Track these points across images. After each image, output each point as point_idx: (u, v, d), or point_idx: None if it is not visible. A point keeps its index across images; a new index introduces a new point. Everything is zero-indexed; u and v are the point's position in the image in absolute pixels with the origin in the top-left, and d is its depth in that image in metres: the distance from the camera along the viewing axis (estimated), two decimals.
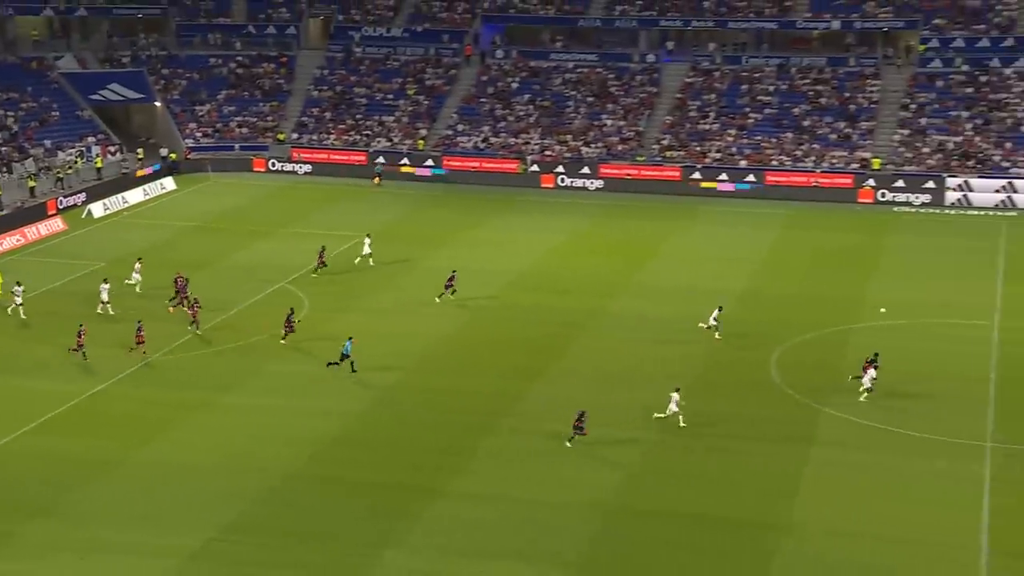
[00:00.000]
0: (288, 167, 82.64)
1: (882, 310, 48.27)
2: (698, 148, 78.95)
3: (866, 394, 41.95)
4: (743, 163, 77.16)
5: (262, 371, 45.49)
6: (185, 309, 49.86)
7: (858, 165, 75.55)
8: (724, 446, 38.89)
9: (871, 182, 73.86)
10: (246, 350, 47.48)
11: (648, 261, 60.95)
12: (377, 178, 78.78)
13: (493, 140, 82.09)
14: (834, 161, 76.26)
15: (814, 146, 77.56)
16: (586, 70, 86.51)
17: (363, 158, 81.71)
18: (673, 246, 64.30)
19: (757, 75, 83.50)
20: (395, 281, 56.84)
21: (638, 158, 79.19)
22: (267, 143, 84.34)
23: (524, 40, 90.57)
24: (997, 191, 71.31)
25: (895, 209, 71.95)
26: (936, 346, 47.44)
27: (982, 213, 70.31)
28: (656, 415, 40.33)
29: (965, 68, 79.33)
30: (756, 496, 35.32)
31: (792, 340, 48.36)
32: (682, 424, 39.81)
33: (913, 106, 78.60)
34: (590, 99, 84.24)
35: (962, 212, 70.96)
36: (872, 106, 79.55)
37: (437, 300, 52.54)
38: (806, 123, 79.28)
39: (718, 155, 78.25)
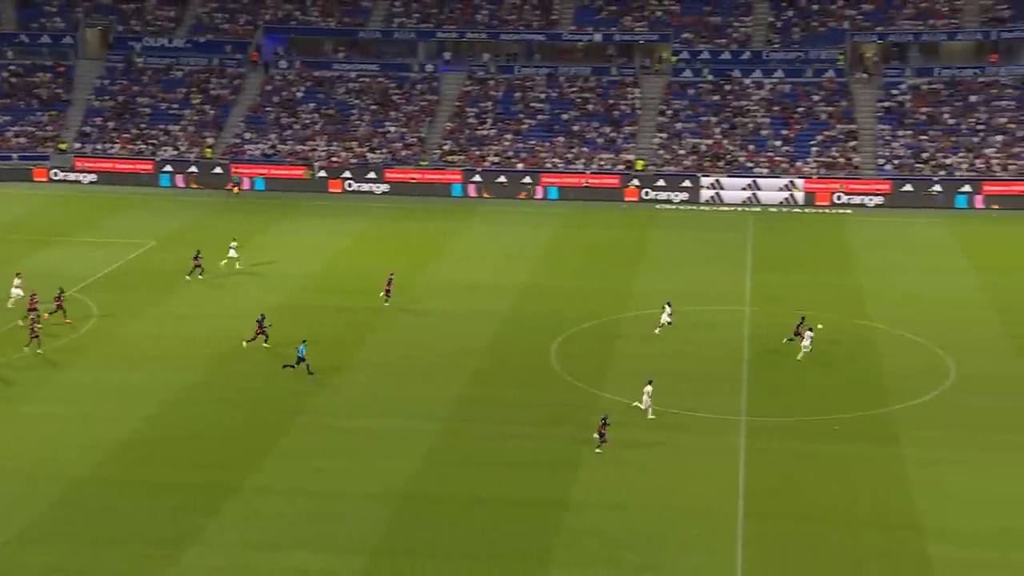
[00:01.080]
0: (72, 176, 78.82)
1: (820, 326, 46.93)
2: (477, 152, 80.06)
3: (803, 353, 44.65)
4: (520, 166, 78.71)
5: (53, 380, 43.42)
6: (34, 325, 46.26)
7: (623, 166, 78.32)
8: (509, 431, 39.68)
9: (636, 182, 76.69)
10: (38, 359, 45.15)
11: (433, 260, 61.37)
12: (236, 187, 76.34)
13: (281, 147, 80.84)
14: (602, 163, 78.80)
15: (583, 149, 79.90)
16: (368, 79, 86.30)
17: (150, 167, 78.89)
18: (456, 246, 64.97)
19: (529, 84, 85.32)
20: (186, 287, 55.19)
21: (421, 163, 79.62)
22: (48, 153, 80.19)
23: (307, 51, 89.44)
24: (744, 189, 75.33)
25: (657, 206, 74.91)
26: (696, 332, 49.68)
27: (732, 209, 74.11)
28: (634, 404, 40.48)
29: (711, 78, 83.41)
30: (539, 476, 36.24)
31: (570, 330, 49.72)
32: (651, 416, 39.85)
33: (669, 112, 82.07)
34: (373, 107, 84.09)
35: (715, 208, 74.58)
36: (633, 112, 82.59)
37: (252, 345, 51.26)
38: (575, 128, 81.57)
39: (496, 159, 79.58)
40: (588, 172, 77.86)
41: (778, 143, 78.15)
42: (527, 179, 77.60)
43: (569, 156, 79.45)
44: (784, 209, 73.54)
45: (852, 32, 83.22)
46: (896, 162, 75.51)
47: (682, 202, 75.45)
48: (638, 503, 34.44)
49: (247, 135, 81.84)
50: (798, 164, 76.38)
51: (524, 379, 44.35)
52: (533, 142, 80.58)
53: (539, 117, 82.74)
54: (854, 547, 31.81)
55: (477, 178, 77.84)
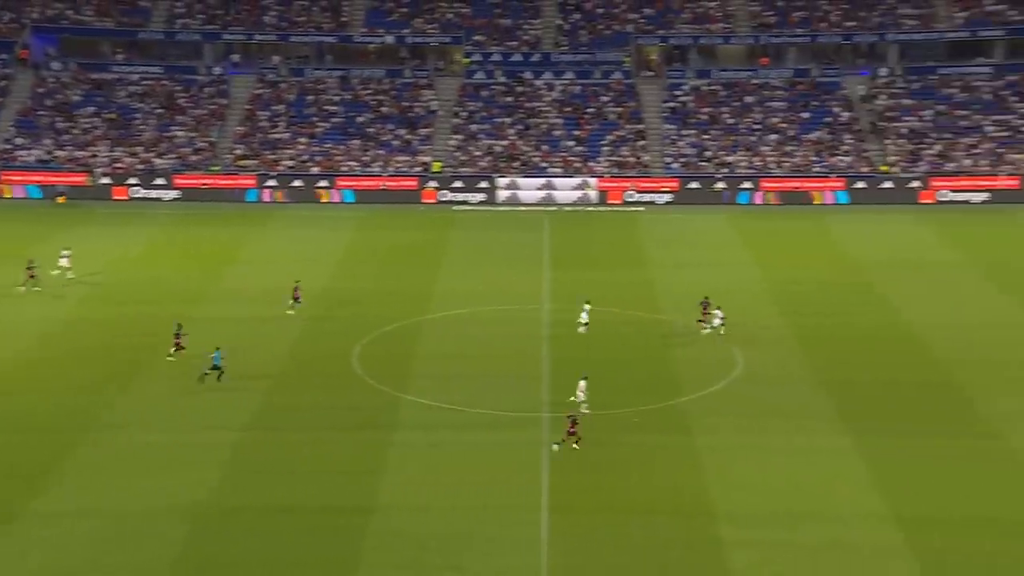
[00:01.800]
0: None
1: (718, 311, 48.46)
2: (271, 156, 78.31)
3: (721, 330, 47.28)
4: (315, 169, 77.48)
5: None
6: None
7: (420, 168, 78.28)
8: (312, 438, 38.93)
9: (433, 184, 76.78)
10: None
11: (228, 266, 59.64)
12: (62, 197, 71.74)
13: (59, 153, 76.73)
14: (399, 165, 78.50)
15: (380, 152, 79.40)
16: (152, 82, 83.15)
17: None
18: (252, 251, 63.35)
19: (321, 86, 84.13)
20: None
21: (213, 168, 77.23)
22: None
23: (82, 52, 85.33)
24: (539, 189, 76.61)
25: (455, 208, 75.25)
26: (497, 330, 50.14)
27: (528, 209, 75.23)
28: (571, 399, 40.29)
29: (504, 80, 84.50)
30: (344, 482, 35.69)
31: (371, 333, 49.25)
32: (584, 411, 39.47)
33: (464, 114, 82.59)
34: (159, 111, 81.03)
35: (512, 208, 75.52)
36: (429, 114, 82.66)
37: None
38: (371, 130, 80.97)
39: (291, 163, 78.05)
40: (385, 175, 77.45)
41: (571, 143, 79.88)
42: (323, 183, 76.48)
43: (365, 159, 78.81)
44: (579, 208, 75.20)
45: (636, 35, 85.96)
46: (682, 160, 78.47)
47: (479, 203, 76.04)
48: (444, 504, 34.39)
49: (18, 140, 77.34)
50: (591, 164, 78.30)
51: (326, 384, 43.63)
52: (328, 145, 79.52)
53: (333, 120, 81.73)
54: (654, 535, 32.72)
55: (272, 183, 76.17)
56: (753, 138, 79.59)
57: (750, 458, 37.31)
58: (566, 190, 76.40)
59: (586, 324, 48.74)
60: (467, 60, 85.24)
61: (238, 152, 78.51)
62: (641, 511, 34.03)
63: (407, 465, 36.93)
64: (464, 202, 76.20)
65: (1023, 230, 66.49)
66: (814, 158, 77.41)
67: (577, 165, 78.21)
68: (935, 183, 74.42)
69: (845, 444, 38.10)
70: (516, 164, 78.49)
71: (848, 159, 77.14)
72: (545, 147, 79.83)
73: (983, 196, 73.65)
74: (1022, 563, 30.86)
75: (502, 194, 76.51)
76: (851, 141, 78.51)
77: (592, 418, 40.24)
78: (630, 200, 75.75)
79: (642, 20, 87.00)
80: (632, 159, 78.67)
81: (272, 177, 76.30)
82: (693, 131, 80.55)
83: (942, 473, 35.92)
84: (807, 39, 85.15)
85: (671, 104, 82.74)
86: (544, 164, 78.52)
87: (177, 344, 44.84)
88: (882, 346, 47.37)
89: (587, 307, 49.05)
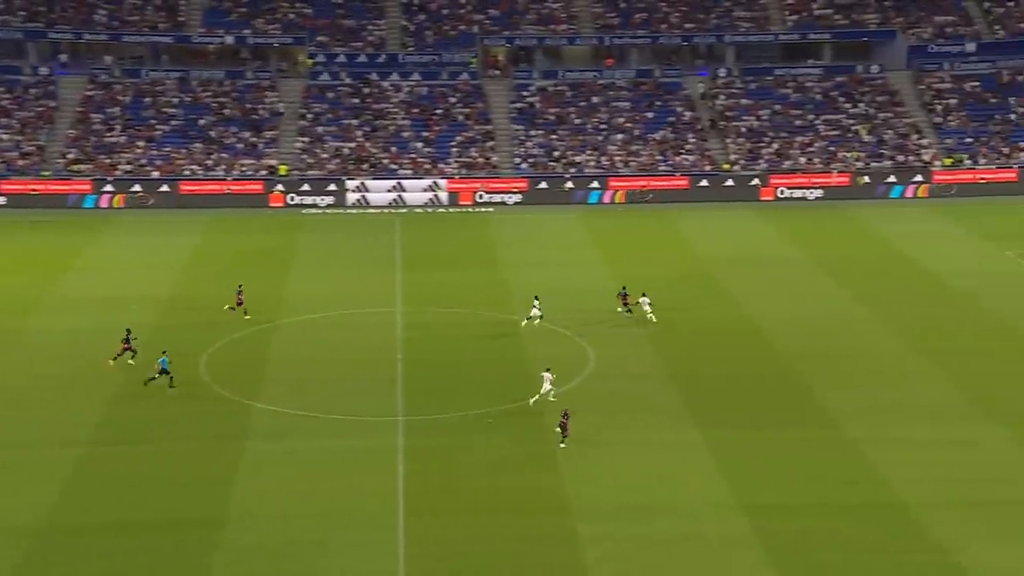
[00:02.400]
0: None
1: (645, 297, 50.39)
2: (107, 161, 75.86)
3: (652, 317, 49.36)
4: (155, 174, 75.45)
5: None
6: None
7: (266, 172, 77.10)
8: (158, 450, 38.04)
9: (280, 187, 75.71)
10: None
11: (63, 275, 57.58)
12: None
13: None
14: (244, 169, 77.15)
15: (223, 155, 77.86)
16: None
17: None
18: (89, 259, 61.32)
19: (159, 88, 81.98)
20: None
21: (43, 173, 74.31)
22: None
23: None
24: (389, 191, 76.48)
25: (304, 211, 74.42)
26: (350, 334, 49.90)
27: (379, 211, 74.98)
28: (531, 400, 41.13)
29: (349, 81, 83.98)
30: (194, 495, 35.01)
31: (220, 341, 48.34)
32: (552, 399, 40.81)
33: (310, 116, 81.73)
34: None
35: (362, 211, 75.13)
36: (273, 116, 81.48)
37: None
38: (213, 133, 79.33)
39: (129, 167, 75.80)
40: (230, 179, 76.00)
41: (420, 145, 79.98)
42: (164, 187, 74.54)
43: (208, 163, 77.17)
44: (429, 209, 75.37)
45: (482, 36, 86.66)
46: (531, 161, 79.52)
47: (328, 206, 75.40)
48: (299, 512, 34.09)
49: None
50: (440, 165, 78.58)
51: (173, 394, 42.63)
52: (168, 149, 77.57)
53: (173, 123, 79.77)
54: (510, 533, 33.17)
55: (109, 188, 73.81)
56: (600, 138, 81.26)
57: (604, 454, 38.18)
58: (416, 192, 76.47)
59: (540, 317, 49.70)
60: (311, 61, 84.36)
61: (71, 156, 75.76)
62: (497, 510, 34.44)
63: (260, 474, 36.46)
64: (313, 205, 75.42)
65: (855, 225, 69.86)
66: (659, 157, 79.56)
67: (427, 166, 78.38)
68: (774, 180, 77.47)
69: (694, 437, 39.38)
70: (365, 166, 78.13)
71: (692, 158, 79.58)
72: (394, 149, 79.73)
73: (818, 193, 77.06)
74: (855, 543, 32.54)
75: (351, 197, 76.04)
76: (694, 140, 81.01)
77: (446, 421, 40.52)
78: (480, 201, 76.33)
79: (487, 21, 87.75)
80: (481, 160, 79.32)
81: (109, 182, 73.91)
82: (541, 131, 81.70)
83: (784, 462, 37.51)
84: (649, 40, 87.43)
85: (519, 105, 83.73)
86: (393, 166, 78.39)
87: (128, 348, 44.46)
88: (727, 340, 49.10)
89: (537, 301, 49.93)
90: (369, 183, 76.58)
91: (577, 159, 79.52)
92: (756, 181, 77.55)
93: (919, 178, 77.30)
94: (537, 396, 41.45)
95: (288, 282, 57.60)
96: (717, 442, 38.85)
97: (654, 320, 50.11)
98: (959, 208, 73.14)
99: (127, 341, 44.86)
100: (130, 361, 44.78)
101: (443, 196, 76.41)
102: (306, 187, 76.01)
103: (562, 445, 38.11)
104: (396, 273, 59.64)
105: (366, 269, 60.07)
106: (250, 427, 40.00)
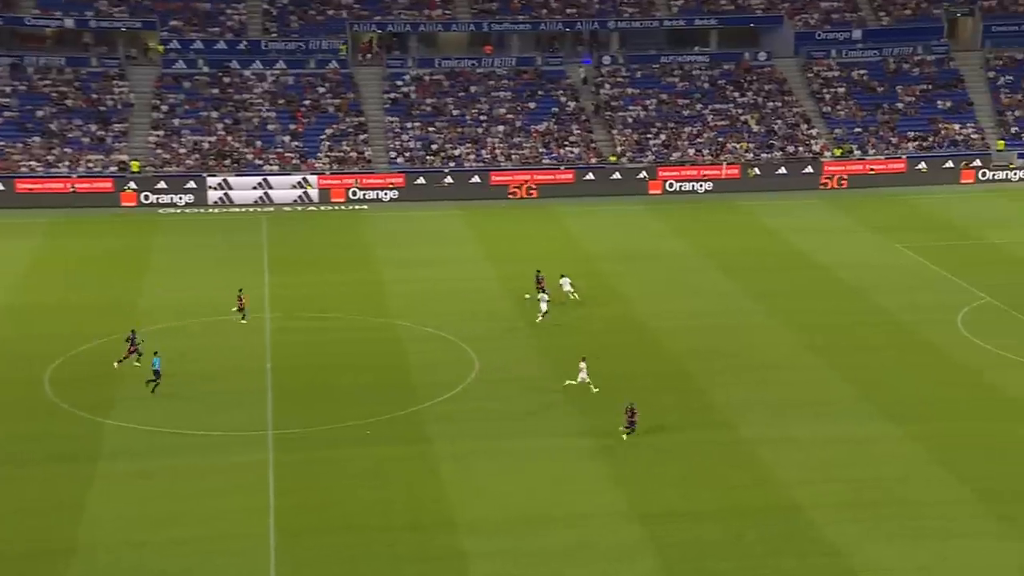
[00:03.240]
0: None
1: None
2: None
3: (575, 296, 51.74)
4: None
5: None
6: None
7: (117, 168, 74.94)
8: (1, 475, 36.54)
9: (132, 185, 73.68)
10: None
11: None
12: None
13: None
14: (91, 165, 74.85)
15: (67, 150, 75.43)
16: None
17: None
18: None
19: None
20: None
21: None
22: None
23: None
24: (254, 188, 75.13)
25: (160, 211, 72.59)
26: (214, 343, 48.83)
27: (243, 210, 73.59)
28: (568, 382, 43.00)
29: (207, 69, 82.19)
30: (39, 522, 33.74)
31: (67, 353, 46.76)
32: (595, 390, 42.51)
33: (164, 107, 79.76)
34: None
35: (225, 210, 73.67)
36: (123, 107, 79.29)
37: None
38: (54, 126, 76.80)
39: None
40: (75, 176, 73.68)
41: (287, 138, 78.81)
42: None
43: (50, 158, 74.68)
44: (299, 208, 74.35)
45: (351, 21, 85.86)
46: (408, 155, 79.10)
47: (187, 205, 73.74)
48: (159, 539, 33.14)
49: None
50: (310, 160, 77.58)
51: (16, 414, 41.14)
52: (2, 143, 74.82)
53: (6, 114, 77.04)
54: (392, 552, 32.83)
55: None
56: (480, 130, 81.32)
57: (491, 464, 38.10)
58: (284, 189, 75.28)
59: (573, 292, 53.14)
60: (162, 47, 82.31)
61: None
62: (376, 528, 34.07)
63: (114, 498, 35.35)
64: (171, 204, 73.62)
65: (746, 219, 71.34)
66: (543, 149, 79.99)
67: (295, 162, 77.27)
68: (663, 173, 78.60)
69: (584, 443, 39.60)
70: (227, 162, 76.60)
71: (577, 150, 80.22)
72: (258, 143, 78.34)
73: (707, 185, 78.47)
74: (750, 548, 33.12)
75: (213, 195, 74.45)
76: (579, 131, 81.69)
77: (321, 433, 39.96)
78: (354, 198, 75.58)
79: (356, 5, 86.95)
80: (354, 154, 78.55)
81: None
82: (417, 123, 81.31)
83: (679, 466, 37.99)
84: (529, 26, 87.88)
85: (392, 95, 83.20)
86: (258, 161, 77.05)
87: (134, 350, 45.06)
88: (617, 339, 49.56)
89: (566, 279, 53.47)
90: (232, 180, 75.09)
91: (456, 152, 79.39)
92: (644, 174, 78.59)
93: (809, 169, 79.37)
94: (572, 382, 43.19)
95: (144, 288, 56.09)
96: (609, 447, 39.14)
97: (577, 299, 52.62)
98: (849, 200, 75.38)
99: (132, 342, 45.05)
100: (135, 363, 44.68)
101: (313, 193, 75.44)
102: (162, 185, 74.12)
103: (624, 438, 39.35)
104: (263, 276, 58.61)
105: (230, 273, 58.82)
106: (102, 447, 38.76)
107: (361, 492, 36.14)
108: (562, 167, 78.52)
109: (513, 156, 79.52)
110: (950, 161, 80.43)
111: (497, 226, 69.96)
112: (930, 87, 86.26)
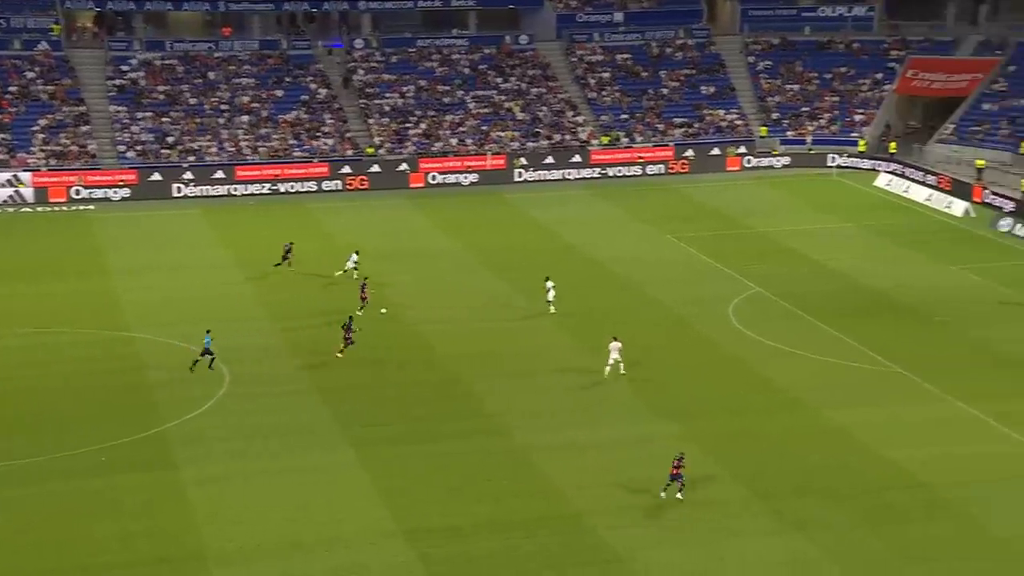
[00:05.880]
0: None
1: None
2: None
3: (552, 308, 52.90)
4: None
5: None
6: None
7: None
8: None
9: None
10: None
11: None
12: None
13: None
14: None
15: None
16: None
17: None
18: None
19: None
20: None
21: None
22: None
23: None
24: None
25: None
26: None
27: None
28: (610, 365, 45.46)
29: None
30: None
31: None
32: (622, 371, 45.68)
33: None
34: None
35: None
36: None
37: None
38: None
39: None
40: None
41: None
42: None
43: None
44: (10, 209, 71.30)
45: None
46: (139, 149, 76.86)
47: None
48: None
49: None
50: (21, 155, 74.41)
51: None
52: None
53: None
54: None
55: None
56: (222, 120, 79.86)
57: (244, 486, 37.62)
58: None
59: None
60: None
61: None
62: (118, 565, 33.16)
63: None
64: None
65: (514, 212, 72.85)
66: (293, 141, 79.29)
67: (3, 157, 73.86)
68: (424, 165, 79.28)
69: (347, 457, 39.62)
70: None
71: (331, 141, 79.90)
72: None
73: (473, 177, 79.67)
74: (529, 561, 33.94)
75: None
76: (332, 121, 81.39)
77: (45, 463, 38.50)
78: (77, 197, 73.07)
79: None
80: (75, 148, 75.73)
81: None
82: (149, 113, 79.17)
83: (450, 478, 38.48)
84: (272, 6, 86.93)
85: (118, 81, 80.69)
86: None
87: (348, 339, 47.49)
88: (380, 344, 49.56)
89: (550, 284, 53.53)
90: None
91: (195, 146, 77.72)
92: (404, 166, 79.08)
93: (577, 158, 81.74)
94: (608, 367, 45.58)
95: None
96: (374, 461, 39.31)
97: (552, 311, 52.97)
98: (617, 190, 78.13)
99: (348, 330, 47.47)
100: (339, 355, 46.93)
101: (27, 193, 72.48)
102: None
103: (679, 496, 36.83)
104: None
105: None
106: None
107: (99, 526, 35.03)
108: (315, 160, 78.08)
109: (260, 149, 78.49)
110: (716, 148, 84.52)
111: (244, 226, 68.92)
112: (694, 72, 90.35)
